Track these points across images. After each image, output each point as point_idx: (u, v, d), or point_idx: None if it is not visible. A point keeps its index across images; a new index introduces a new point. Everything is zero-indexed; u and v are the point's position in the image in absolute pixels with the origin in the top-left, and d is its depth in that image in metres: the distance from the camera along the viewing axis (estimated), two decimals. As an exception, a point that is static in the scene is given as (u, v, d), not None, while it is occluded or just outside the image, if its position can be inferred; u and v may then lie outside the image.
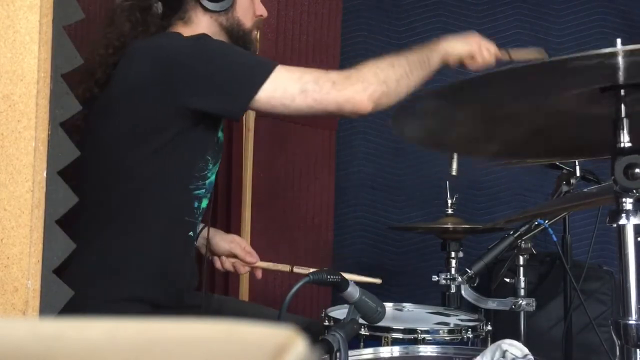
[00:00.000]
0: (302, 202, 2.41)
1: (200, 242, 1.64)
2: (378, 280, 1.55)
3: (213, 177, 1.51)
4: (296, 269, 1.58)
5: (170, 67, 1.33)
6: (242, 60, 1.37)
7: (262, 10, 1.61)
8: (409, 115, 1.07)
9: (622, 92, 0.90)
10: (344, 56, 2.68)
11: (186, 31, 1.48)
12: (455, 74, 2.73)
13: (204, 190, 1.47)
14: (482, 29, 2.79)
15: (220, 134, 1.51)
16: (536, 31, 2.79)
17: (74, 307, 0.85)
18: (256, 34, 1.62)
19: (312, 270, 1.54)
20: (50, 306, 0.82)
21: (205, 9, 1.51)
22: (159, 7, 1.54)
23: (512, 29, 2.79)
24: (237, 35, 1.54)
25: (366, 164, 2.75)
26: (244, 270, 1.66)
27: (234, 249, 1.64)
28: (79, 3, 0.88)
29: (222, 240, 1.65)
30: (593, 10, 2.77)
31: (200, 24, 1.52)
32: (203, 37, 1.39)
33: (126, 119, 1.37)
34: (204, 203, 1.50)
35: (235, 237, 1.70)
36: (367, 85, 1.34)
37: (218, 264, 1.66)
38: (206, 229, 1.61)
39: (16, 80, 0.80)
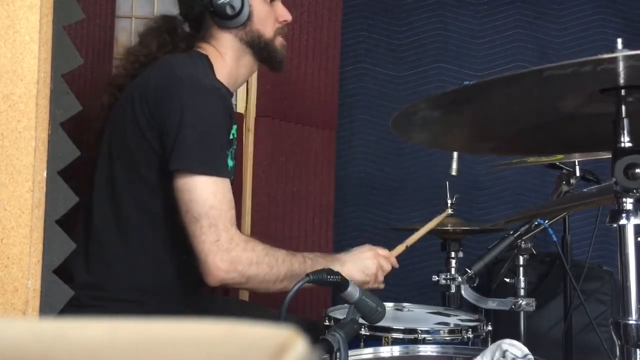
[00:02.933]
0: (302, 202, 2.41)
1: None
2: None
3: None
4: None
5: (159, 102, 1.35)
6: (209, 143, 1.34)
7: (285, 15, 1.57)
8: (409, 118, 1.07)
9: (623, 92, 0.90)
10: (344, 56, 2.67)
11: (210, 50, 1.51)
12: (453, 79, 2.74)
13: None
14: (482, 29, 2.79)
15: (229, 161, 1.50)
16: (536, 31, 2.79)
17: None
18: (283, 41, 1.58)
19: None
20: (50, 306, 0.82)
21: (223, 27, 1.50)
22: (186, 27, 1.57)
23: (512, 29, 2.79)
24: (259, 47, 1.53)
25: (366, 164, 2.75)
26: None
27: None
28: (79, 3, 0.88)
29: None
30: (593, 10, 2.77)
31: (222, 41, 1.51)
32: (202, 97, 1.36)
33: (129, 124, 1.39)
34: None
35: None
36: (231, 270, 1.29)
37: None
38: None
39: (16, 80, 0.80)
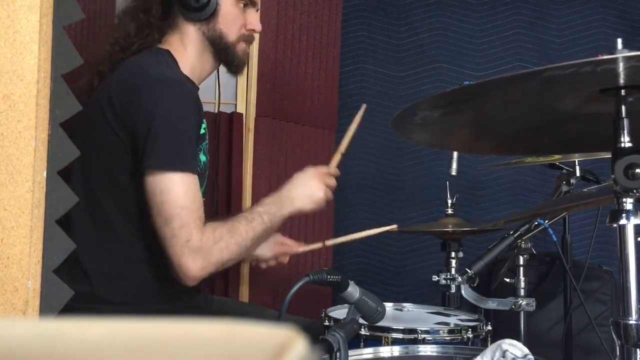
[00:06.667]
0: (302, 202, 2.40)
1: None
2: (394, 226, 1.74)
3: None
4: (328, 242, 1.77)
5: (126, 102, 1.34)
6: (179, 139, 1.33)
7: (254, 25, 1.56)
8: (409, 118, 1.07)
9: (623, 92, 0.90)
10: (344, 56, 2.68)
11: (174, 42, 1.52)
12: (453, 79, 2.74)
13: None
14: (482, 29, 2.79)
15: (202, 156, 1.48)
16: (536, 31, 2.79)
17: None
18: (246, 48, 1.57)
19: (341, 239, 1.80)
20: (50, 306, 0.82)
21: (188, 18, 1.51)
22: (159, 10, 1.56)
23: (512, 29, 2.79)
24: (218, 47, 1.52)
25: (366, 164, 2.75)
26: (286, 260, 1.77)
27: (278, 251, 1.74)
28: (79, 3, 0.88)
29: (265, 250, 1.73)
30: (593, 10, 2.77)
31: (186, 32, 1.52)
32: (170, 94, 1.35)
33: (99, 129, 1.38)
34: None
35: (275, 239, 1.74)
36: (205, 266, 1.29)
37: (264, 266, 1.77)
38: None
39: (16, 80, 0.80)
